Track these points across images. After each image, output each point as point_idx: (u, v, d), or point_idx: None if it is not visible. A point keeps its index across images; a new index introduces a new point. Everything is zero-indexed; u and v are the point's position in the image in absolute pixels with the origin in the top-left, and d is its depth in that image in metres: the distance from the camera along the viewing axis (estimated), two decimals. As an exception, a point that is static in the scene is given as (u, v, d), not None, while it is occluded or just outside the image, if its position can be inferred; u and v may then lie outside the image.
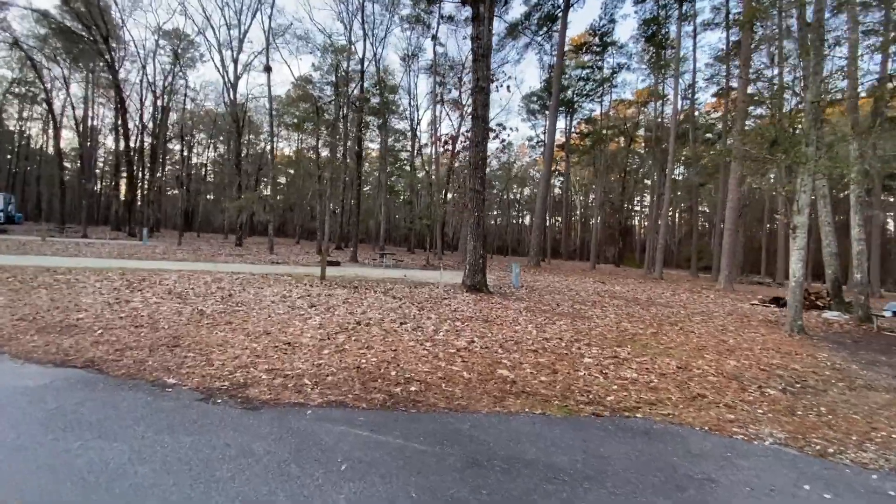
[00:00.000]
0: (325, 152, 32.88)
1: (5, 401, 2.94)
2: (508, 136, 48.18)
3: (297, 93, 49.16)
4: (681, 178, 40.89)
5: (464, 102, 31.44)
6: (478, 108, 10.12)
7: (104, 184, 54.56)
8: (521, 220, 66.50)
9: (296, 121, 46.97)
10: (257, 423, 2.84)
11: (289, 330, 5.46)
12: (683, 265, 40.89)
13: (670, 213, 52.63)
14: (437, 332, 5.90)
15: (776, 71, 21.31)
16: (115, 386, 3.36)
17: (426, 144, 34.73)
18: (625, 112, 41.87)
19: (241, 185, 26.71)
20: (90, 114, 40.85)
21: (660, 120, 34.09)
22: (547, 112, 40.71)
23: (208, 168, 60.77)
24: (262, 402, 3.22)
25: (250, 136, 57.66)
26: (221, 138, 59.32)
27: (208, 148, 59.18)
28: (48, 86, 29.04)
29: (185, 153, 45.05)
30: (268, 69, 22.19)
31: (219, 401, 3.19)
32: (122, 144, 38.41)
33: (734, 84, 26.65)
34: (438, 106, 29.56)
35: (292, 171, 56.51)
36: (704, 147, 32.71)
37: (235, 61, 25.17)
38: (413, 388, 3.70)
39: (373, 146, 45.82)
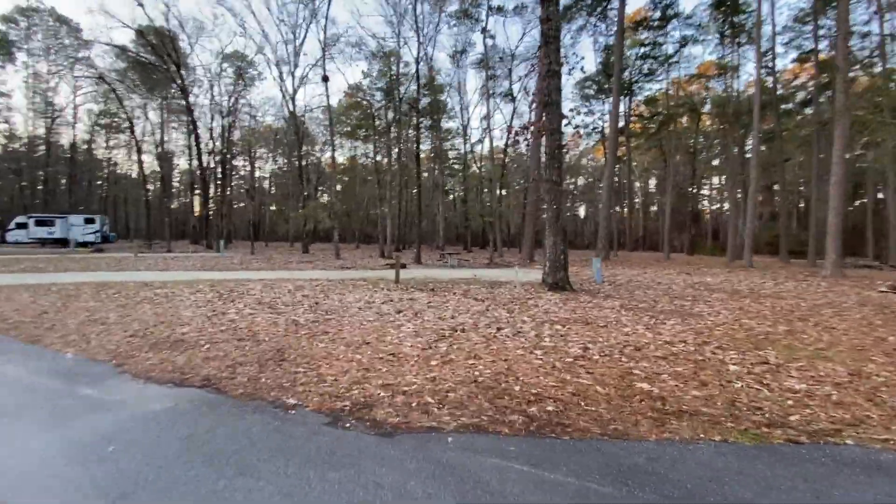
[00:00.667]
0: (380, 157, 33.50)
1: (139, 429, 2.82)
2: (567, 123, 46.30)
3: (350, 101, 50.56)
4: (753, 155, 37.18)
5: (516, 94, 30.61)
6: (551, 92, 9.46)
7: (179, 201, 59.30)
8: (574, 212, 64.15)
9: (349, 128, 48.54)
10: (398, 454, 2.50)
11: (386, 338, 5.21)
12: (763, 250, 37.21)
13: (739, 194, 48.43)
14: (541, 337, 5.40)
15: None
16: (237, 408, 3.19)
17: (479, 140, 34.17)
18: (686, 89, 38.86)
19: (304, 194, 27.69)
20: (165, 138, 44.45)
21: (731, 93, 31.19)
22: (603, 96, 38.77)
23: (270, 181, 64.26)
24: (393, 426, 2.90)
25: (307, 147, 60.31)
26: (280, 151, 62.55)
27: (268, 161, 62.56)
28: (130, 115, 31.67)
29: (250, 168, 47.75)
30: (325, 79, 22.75)
31: (347, 425, 2.91)
32: (195, 163, 41.35)
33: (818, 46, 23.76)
34: (490, 100, 28.87)
35: (346, 179, 58.40)
36: (787, 118, 29.53)
37: (293, 74, 26.12)
38: (550, 408, 3.23)
39: (423, 147, 46.10)
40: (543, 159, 9.66)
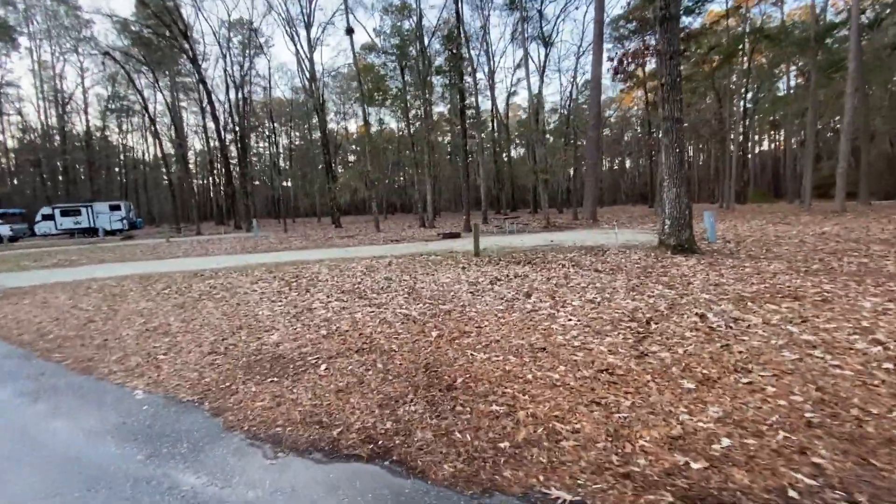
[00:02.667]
0: (399, 122, 31.26)
1: None
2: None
3: (363, 64, 47.63)
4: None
5: (548, 36, 27.76)
6: (669, 4, 7.44)
7: (198, 182, 58.36)
8: (613, 166, 61.12)
9: (361, 94, 46.00)
10: None
11: (554, 339, 3.72)
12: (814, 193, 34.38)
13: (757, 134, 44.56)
14: (778, 326, 3.83)
15: None
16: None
17: (512, 92, 31.44)
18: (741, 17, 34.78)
19: (329, 163, 26.01)
20: (178, 117, 42.86)
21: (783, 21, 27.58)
22: (640, 35, 35.08)
23: (285, 155, 62.55)
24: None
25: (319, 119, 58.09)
26: (293, 125, 60.51)
27: (281, 136, 60.62)
28: (142, 93, 30.07)
29: (274, 140, 46.10)
30: (349, 31, 20.54)
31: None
32: (211, 141, 39.86)
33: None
34: (524, 44, 26.09)
35: (369, 147, 56.07)
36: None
37: (308, 31, 23.91)
38: None
39: (440, 109, 43.46)
40: (662, 91, 7.74)
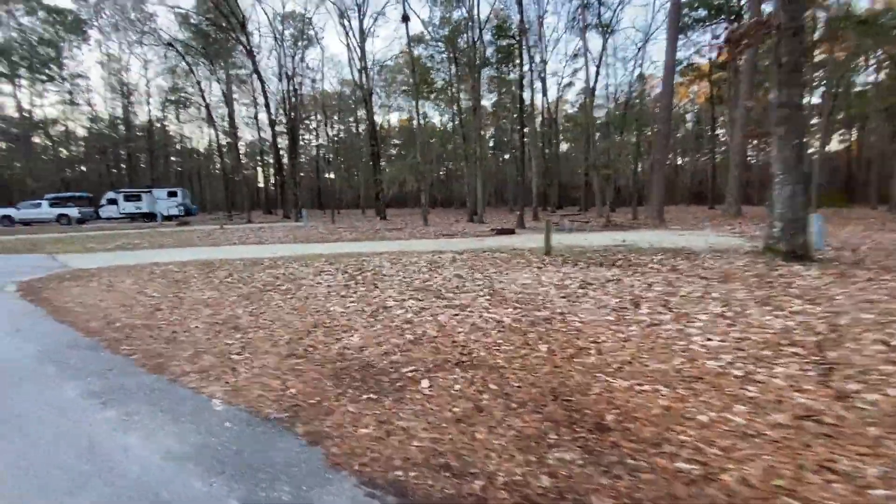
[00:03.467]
0: (441, 116, 30.75)
1: None
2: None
3: (407, 57, 47.50)
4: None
5: (607, 24, 26.32)
6: (795, -28, 6.38)
7: (247, 171, 60.31)
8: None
9: (423, 85, 45.86)
10: None
11: (704, 364, 2.98)
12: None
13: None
14: None
15: None
16: None
17: (568, 84, 30.23)
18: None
19: (377, 155, 25.84)
20: (230, 109, 44.23)
21: None
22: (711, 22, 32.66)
23: (328, 148, 63.53)
24: None
25: (364, 110, 58.67)
26: (337, 117, 61.33)
27: (326, 128, 61.58)
28: (200, 83, 31.03)
29: (316, 134, 46.83)
30: (405, 18, 20.13)
31: None
32: (261, 132, 40.85)
33: None
34: (584, 34, 24.84)
35: (398, 142, 56.16)
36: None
37: (361, 21, 23.73)
38: None
39: (485, 102, 42.54)
40: (778, 74, 6.69)
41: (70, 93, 46.29)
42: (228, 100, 40.03)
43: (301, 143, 56.09)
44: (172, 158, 56.22)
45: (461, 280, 6.16)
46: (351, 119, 55.54)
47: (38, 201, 27.77)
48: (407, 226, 19.48)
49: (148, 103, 46.17)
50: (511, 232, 14.21)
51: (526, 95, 23.10)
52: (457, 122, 37.20)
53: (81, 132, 49.99)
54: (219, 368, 3.25)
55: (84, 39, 42.72)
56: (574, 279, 6.00)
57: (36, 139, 44.75)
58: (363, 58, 24.75)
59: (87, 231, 21.05)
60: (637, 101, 31.89)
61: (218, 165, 59.85)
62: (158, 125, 49.55)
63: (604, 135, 17.50)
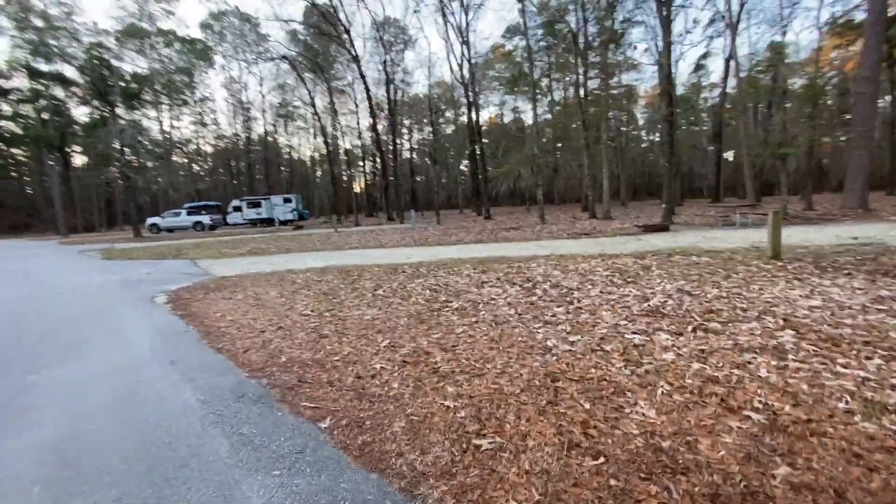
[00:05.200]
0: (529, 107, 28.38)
1: None
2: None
3: (500, 53, 45.86)
4: None
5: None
6: None
7: (347, 177, 63.37)
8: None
9: (500, 83, 44.12)
10: None
11: None
12: None
13: None
14: None
15: None
16: None
17: (704, 55, 26.29)
18: None
19: (481, 152, 24.57)
20: (332, 119, 46.37)
21: None
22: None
23: (417, 150, 64.37)
24: None
25: (451, 113, 58.34)
26: (426, 120, 61.80)
27: (414, 131, 62.37)
28: (311, 94, 32.51)
29: (408, 136, 47.33)
30: (520, -2, 18.55)
31: None
32: (361, 138, 42.09)
33: None
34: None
35: (487, 142, 54.40)
36: None
37: (465, 8, 22.67)
38: None
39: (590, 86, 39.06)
40: None
41: (200, 114, 52.31)
42: (332, 109, 41.86)
43: (397, 144, 57.44)
44: (281, 168, 61.07)
45: (700, 299, 4.38)
46: (441, 120, 55.47)
47: (178, 210, 31.13)
48: (521, 225, 17.85)
49: (263, 117, 50.28)
50: (663, 229, 11.88)
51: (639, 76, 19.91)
52: (552, 111, 34.74)
53: (208, 148, 56.41)
54: (471, 472, 1.93)
55: (210, 65, 47.76)
56: (873, 299, 3.90)
57: (174, 157, 51.22)
58: (466, 42, 23.61)
59: (218, 236, 22.68)
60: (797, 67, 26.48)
61: (318, 173, 64.00)
62: (271, 138, 53.94)
63: (777, 105, 14.15)
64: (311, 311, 4.95)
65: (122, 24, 33.76)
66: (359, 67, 27.16)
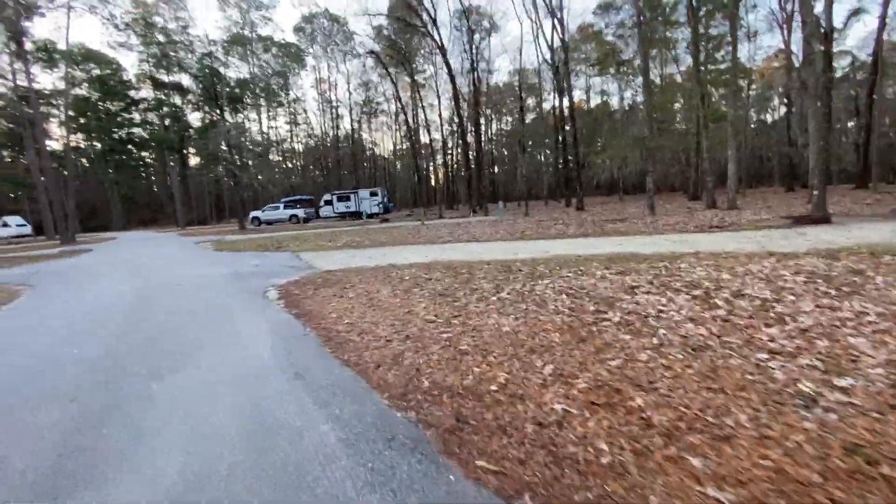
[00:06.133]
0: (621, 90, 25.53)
1: None
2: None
3: (586, 34, 42.73)
4: None
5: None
6: None
7: (427, 168, 64.08)
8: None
9: (592, 63, 41.17)
10: None
11: None
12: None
13: None
14: None
15: None
16: None
17: (855, 11, 22.06)
18: None
19: (570, 139, 22.84)
20: (413, 113, 46.76)
21: None
22: None
23: (495, 141, 62.96)
24: None
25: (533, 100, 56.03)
26: (504, 110, 60.22)
27: (493, 121, 61.00)
28: (393, 89, 32.80)
29: (488, 125, 46.26)
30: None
31: None
32: (443, 129, 41.91)
33: None
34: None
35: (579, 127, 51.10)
36: None
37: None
38: None
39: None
40: None
41: (293, 114, 55.82)
42: (414, 102, 42.11)
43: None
44: (363, 164, 63.38)
45: None
46: (519, 108, 53.75)
47: (276, 205, 33.28)
48: (626, 216, 16.09)
49: (350, 114, 52.33)
50: (823, 220, 9.68)
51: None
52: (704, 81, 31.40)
53: (300, 146, 60.15)
54: None
55: (303, 66, 50.54)
56: None
57: (271, 155, 55.31)
58: (560, 20, 21.95)
59: (312, 229, 23.66)
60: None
61: (398, 166, 65.48)
62: (356, 135, 56.09)
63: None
64: (435, 315, 4.30)
65: (228, 33, 36.72)
66: (444, 56, 26.69)
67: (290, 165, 63.05)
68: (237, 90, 42.17)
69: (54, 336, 4.76)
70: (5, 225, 33.38)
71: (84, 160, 49.97)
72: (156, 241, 21.81)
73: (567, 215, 19.86)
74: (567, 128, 25.66)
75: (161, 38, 37.92)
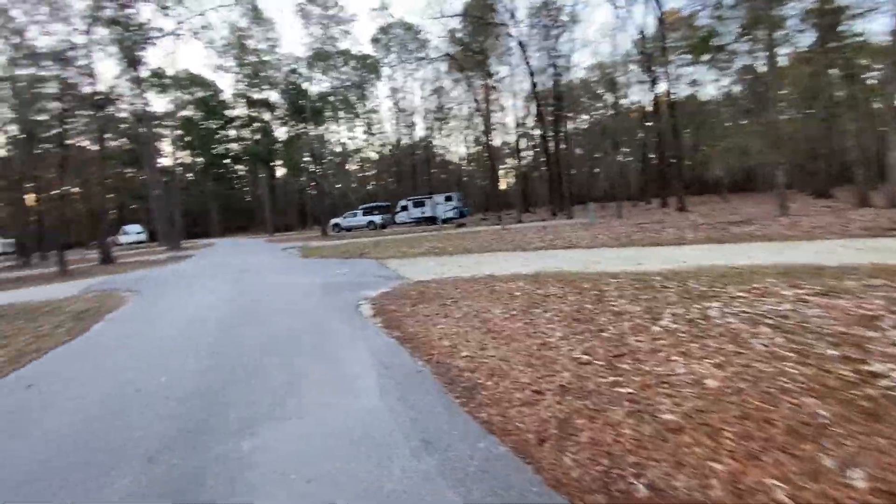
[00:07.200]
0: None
1: None
2: None
3: (674, 16, 39.02)
4: None
5: None
6: None
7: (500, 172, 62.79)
8: None
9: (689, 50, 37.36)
10: None
11: None
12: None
13: None
14: None
15: None
16: None
17: None
18: None
19: (675, 128, 20.37)
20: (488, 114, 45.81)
21: None
22: None
23: (575, 139, 59.87)
24: None
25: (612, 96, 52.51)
26: (579, 108, 57.03)
27: (567, 120, 58.05)
28: (467, 92, 32.19)
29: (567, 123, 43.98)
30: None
31: None
32: (516, 130, 40.52)
33: None
34: None
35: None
36: None
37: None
38: None
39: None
40: None
41: (369, 123, 57.58)
42: (488, 105, 41.20)
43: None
44: (433, 170, 63.62)
45: None
46: (599, 105, 50.66)
47: (355, 212, 34.07)
48: (746, 217, 13.70)
49: (424, 120, 52.90)
50: None
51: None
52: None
53: (374, 154, 61.90)
54: None
55: (378, 77, 51.90)
56: None
57: (348, 165, 57.55)
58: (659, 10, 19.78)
59: (389, 235, 23.58)
60: None
61: (469, 170, 64.86)
62: (428, 141, 56.47)
63: None
64: (586, 354, 3.23)
65: (311, 49, 38.51)
66: (523, 51, 25.45)
67: (366, 174, 65.24)
68: (318, 103, 44.26)
69: (145, 357, 4.40)
70: (125, 233, 37.83)
71: (189, 174, 55.56)
72: (247, 247, 22.99)
73: (669, 217, 17.62)
74: (652, 123, 23.09)
75: (253, 58, 40.83)
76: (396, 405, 2.75)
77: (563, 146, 34.70)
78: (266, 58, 40.63)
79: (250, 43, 40.27)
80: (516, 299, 5.16)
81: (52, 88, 18.71)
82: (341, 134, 52.77)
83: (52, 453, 2.55)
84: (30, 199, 22.10)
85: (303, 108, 37.70)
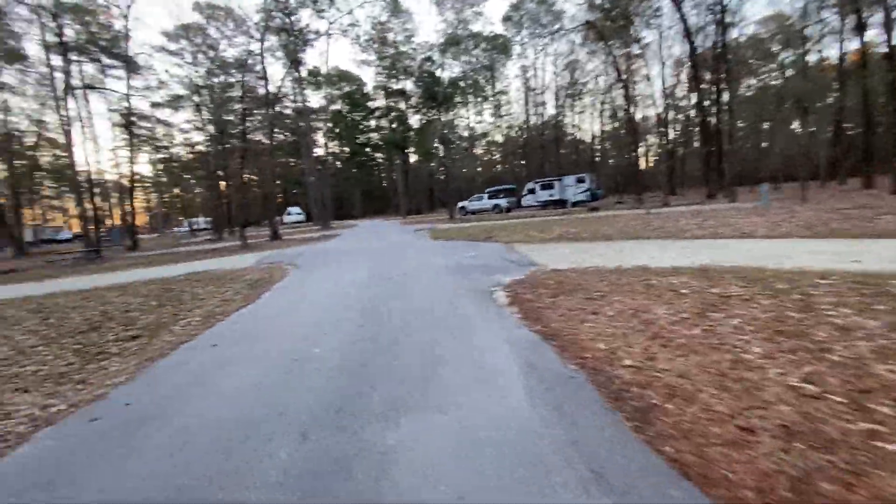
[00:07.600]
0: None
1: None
2: None
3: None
4: None
5: None
6: None
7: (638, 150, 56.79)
8: None
9: None
10: None
11: None
12: None
13: None
14: None
15: None
16: None
17: None
18: None
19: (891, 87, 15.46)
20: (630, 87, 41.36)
21: None
22: None
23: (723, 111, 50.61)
24: None
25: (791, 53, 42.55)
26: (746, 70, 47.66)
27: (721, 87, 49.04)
28: (597, 69, 29.26)
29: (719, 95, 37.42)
30: None
31: None
32: (666, 100, 35.99)
33: None
34: None
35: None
36: None
37: None
38: None
39: None
40: None
41: (497, 105, 56.99)
42: (629, 76, 37.16)
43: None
44: (562, 151, 60.28)
45: None
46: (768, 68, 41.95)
47: (481, 195, 34.22)
48: None
49: (555, 98, 50.52)
50: None
51: None
52: None
53: (501, 137, 61.20)
54: None
55: (509, 57, 50.78)
56: None
57: (476, 149, 58.01)
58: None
59: (515, 218, 23.03)
60: None
61: (602, 150, 59.88)
62: (559, 119, 53.69)
63: None
64: (810, 383, 2.39)
65: (444, 35, 39.26)
66: (678, 8, 22.00)
67: (494, 157, 65.15)
68: (449, 89, 45.21)
69: (301, 326, 4.77)
70: (289, 213, 44.67)
71: (338, 162, 62.34)
72: (384, 228, 24.80)
73: (881, 201, 13.62)
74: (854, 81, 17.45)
75: (391, 50, 43.37)
76: (550, 416, 2.36)
77: (724, 116, 29.37)
78: (403, 48, 42.74)
79: (389, 36, 42.75)
80: (684, 299, 4.29)
81: (236, 92, 22.41)
82: (470, 118, 53.26)
83: (223, 412, 2.80)
84: (221, 185, 27.26)
85: (436, 94, 38.84)
